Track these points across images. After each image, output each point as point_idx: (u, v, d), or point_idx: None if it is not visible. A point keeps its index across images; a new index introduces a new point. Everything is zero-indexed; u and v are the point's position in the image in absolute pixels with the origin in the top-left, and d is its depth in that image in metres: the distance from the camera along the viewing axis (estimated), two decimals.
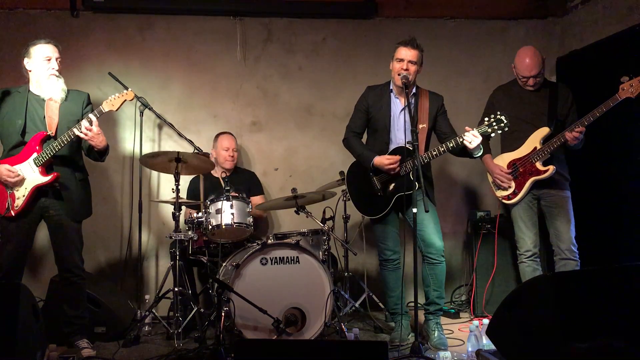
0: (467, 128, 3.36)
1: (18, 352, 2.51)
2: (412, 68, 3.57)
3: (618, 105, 3.41)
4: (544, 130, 3.69)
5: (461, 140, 3.38)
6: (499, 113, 3.35)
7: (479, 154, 3.49)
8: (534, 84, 3.76)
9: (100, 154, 3.53)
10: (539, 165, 3.69)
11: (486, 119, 3.38)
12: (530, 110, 3.77)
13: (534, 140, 3.72)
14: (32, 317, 2.77)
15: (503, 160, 3.86)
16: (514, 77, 3.88)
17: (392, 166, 3.55)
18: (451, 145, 3.43)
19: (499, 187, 3.87)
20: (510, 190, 3.80)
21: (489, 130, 3.36)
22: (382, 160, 3.58)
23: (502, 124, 3.33)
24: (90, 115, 3.35)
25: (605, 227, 4.20)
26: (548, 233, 3.82)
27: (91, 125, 3.32)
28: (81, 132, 3.31)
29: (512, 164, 3.79)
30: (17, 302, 2.60)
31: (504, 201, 3.86)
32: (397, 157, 3.54)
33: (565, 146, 3.68)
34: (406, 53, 3.57)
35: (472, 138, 3.33)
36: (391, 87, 3.71)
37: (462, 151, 3.49)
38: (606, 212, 4.21)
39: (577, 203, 3.79)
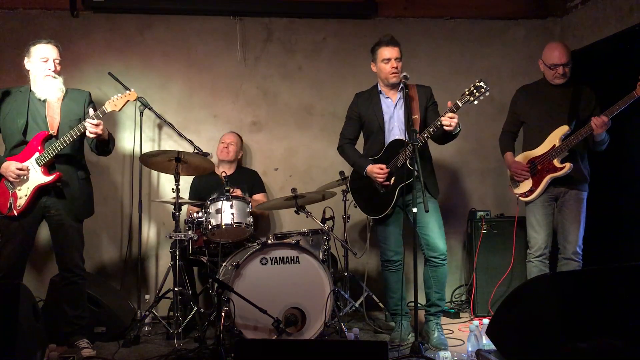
0: (449, 103, 3.37)
1: (18, 352, 2.51)
2: (400, 65, 3.63)
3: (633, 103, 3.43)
4: (563, 129, 3.67)
5: (439, 124, 3.38)
6: (477, 80, 3.34)
7: (459, 129, 3.48)
8: (564, 74, 3.74)
9: (106, 144, 3.53)
10: (556, 162, 3.67)
11: (466, 89, 3.36)
12: (552, 109, 3.77)
13: (554, 138, 3.70)
14: (32, 317, 2.77)
15: (523, 158, 3.85)
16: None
17: (379, 177, 3.58)
18: (432, 129, 3.43)
19: (516, 184, 3.85)
20: (527, 187, 3.78)
21: (471, 98, 3.33)
22: (373, 169, 3.61)
23: (483, 89, 3.31)
24: (90, 112, 3.36)
25: (612, 227, 4.21)
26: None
27: (96, 121, 3.32)
28: (90, 132, 3.31)
29: (531, 162, 3.78)
30: (17, 302, 2.60)
31: (522, 198, 3.83)
32: (387, 171, 3.57)
33: (589, 146, 3.69)
34: (391, 52, 3.62)
35: (449, 121, 3.35)
36: (379, 89, 3.74)
37: (443, 135, 3.51)
38: (611, 213, 4.21)
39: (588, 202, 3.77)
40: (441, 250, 3.60)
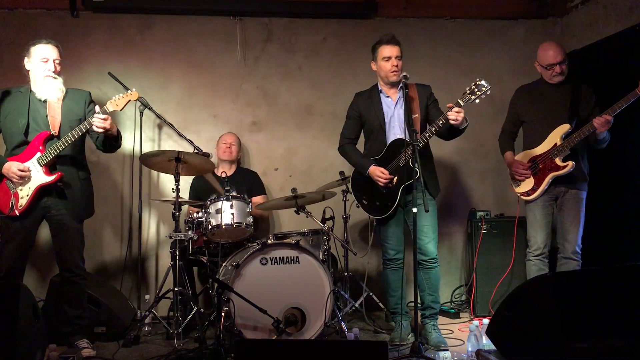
0: (449, 105, 3.37)
1: (18, 352, 2.51)
2: (400, 63, 3.64)
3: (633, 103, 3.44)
4: (564, 127, 3.68)
5: (443, 121, 3.38)
6: (478, 79, 3.34)
7: (466, 124, 3.48)
8: (561, 72, 3.75)
9: (115, 140, 3.54)
10: (558, 161, 3.67)
11: (467, 88, 3.37)
12: (552, 108, 3.77)
13: (555, 136, 3.70)
14: (32, 317, 2.77)
15: (524, 157, 3.85)
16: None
17: (381, 180, 3.58)
18: (440, 122, 3.42)
19: (518, 183, 3.85)
20: (529, 186, 3.79)
21: (473, 97, 3.33)
22: (375, 171, 3.61)
23: (484, 88, 3.31)
24: (97, 108, 3.37)
25: (612, 226, 4.21)
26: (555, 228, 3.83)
27: (103, 115, 3.32)
28: (98, 127, 3.32)
29: (532, 160, 3.78)
30: (17, 302, 2.60)
31: (523, 197, 3.83)
32: (389, 176, 3.57)
33: (589, 145, 3.70)
34: (391, 50, 3.63)
35: (455, 115, 3.35)
36: (379, 88, 3.74)
37: (450, 131, 3.51)
38: (611, 212, 4.21)
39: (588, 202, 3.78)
40: (431, 255, 3.62)
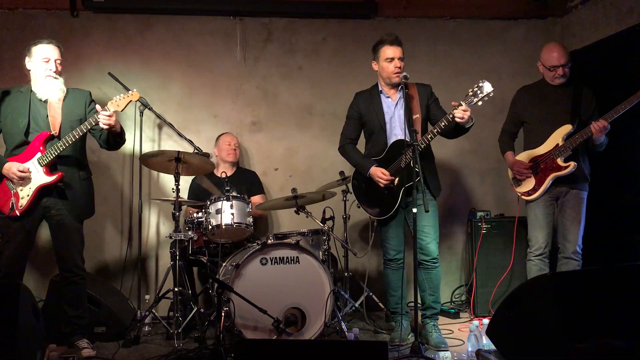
0: (453, 103, 3.36)
1: (18, 352, 2.51)
2: (402, 64, 3.62)
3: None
4: (566, 128, 3.69)
5: (451, 117, 3.37)
6: (480, 81, 3.33)
7: (472, 123, 3.46)
8: (564, 74, 3.76)
9: (119, 136, 3.54)
10: (560, 161, 3.68)
11: (470, 90, 3.36)
12: (553, 108, 3.78)
13: (557, 137, 3.71)
14: (32, 317, 2.77)
15: (526, 157, 3.85)
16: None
17: (382, 181, 3.58)
18: (443, 124, 3.41)
19: (519, 183, 3.86)
20: (530, 186, 3.79)
21: (475, 99, 3.33)
22: (376, 172, 3.61)
23: (487, 91, 3.31)
24: (98, 107, 3.38)
25: (612, 226, 4.22)
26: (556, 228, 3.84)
27: (108, 112, 3.33)
28: (104, 124, 3.32)
29: (534, 161, 3.79)
30: (17, 302, 2.60)
31: (524, 197, 3.83)
32: (389, 177, 3.56)
33: (589, 147, 3.70)
34: (394, 51, 3.62)
35: (462, 114, 3.33)
36: (380, 88, 3.74)
37: (455, 129, 3.49)
38: (611, 212, 4.21)
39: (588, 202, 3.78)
40: (433, 255, 3.62)
